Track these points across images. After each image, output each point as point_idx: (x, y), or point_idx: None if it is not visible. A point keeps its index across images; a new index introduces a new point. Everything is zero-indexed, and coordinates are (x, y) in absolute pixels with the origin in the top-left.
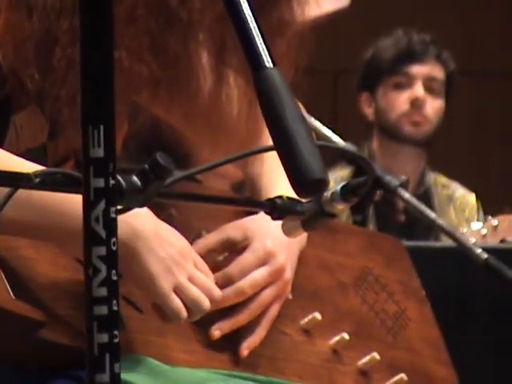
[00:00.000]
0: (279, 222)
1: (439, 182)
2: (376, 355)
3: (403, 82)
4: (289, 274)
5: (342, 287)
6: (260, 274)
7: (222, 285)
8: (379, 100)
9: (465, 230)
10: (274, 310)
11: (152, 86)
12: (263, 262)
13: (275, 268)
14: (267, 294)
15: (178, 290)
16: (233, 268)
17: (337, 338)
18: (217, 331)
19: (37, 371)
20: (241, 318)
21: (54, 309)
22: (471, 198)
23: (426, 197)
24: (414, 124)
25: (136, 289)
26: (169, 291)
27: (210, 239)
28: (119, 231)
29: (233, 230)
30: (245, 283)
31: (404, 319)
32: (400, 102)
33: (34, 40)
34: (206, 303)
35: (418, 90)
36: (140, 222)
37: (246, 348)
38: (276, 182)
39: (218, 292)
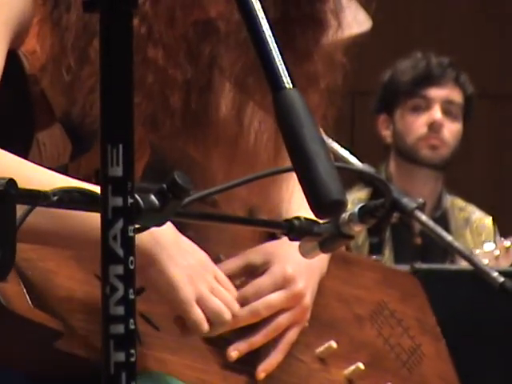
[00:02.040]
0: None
1: (456, 204)
2: None
3: (421, 104)
4: (308, 301)
5: (358, 319)
6: (276, 297)
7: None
8: (397, 122)
9: (477, 251)
10: (291, 335)
11: (184, 91)
12: (281, 286)
13: (293, 293)
14: (284, 317)
15: (200, 301)
16: (248, 289)
17: (352, 368)
18: (234, 352)
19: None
20: (257, 340)
21: (71, 321)
22: (488, 221)
23: (442, 219)
24: (432, 148)
25: (157, 298)
26: (192, 301)
27: (231, 264)
28: (139, 239)
29: (254, 254)
30: (260, 304)
31: (419, 354)
32: (418, 125)
33: (73, 31)
34: (228, 315)
35: (436, 113)
36: (160, 231)
37: (262, 371)
38: (298, 207)
39: (237, 306)
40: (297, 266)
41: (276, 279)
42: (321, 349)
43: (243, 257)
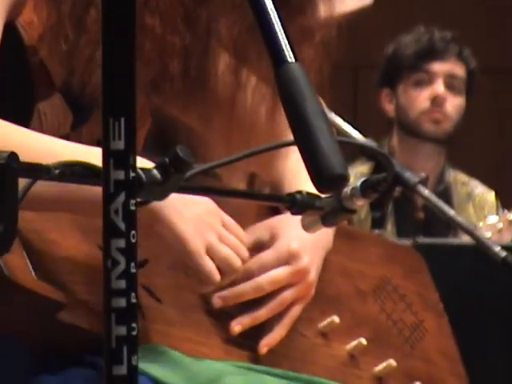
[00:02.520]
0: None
1: (459, 179)
2: (393, 362)
3: (424, 79)
4: (313, 277)
5: (361, 294)
6: (281, 272)
7: (241, 279)
8: (400, 97)
9: (480, 224)
10: (295, 311)
11: (183, 57)
12: (285, 262)
13: (298, 268)
14: (288, 293)
15: (210, 251)
16: (253, 263)
17: (354, 343)
18: (237, 326)
19: (54, 356)
20: (261, 314)
21: (74, 293)
22: (490, 195)
23: (445, 194)
24: (435, 122)
25: (167, 253)
26: (201, 252)
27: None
28: None
29: (259, 230)
30: (264, 279)
31: (421, 330)
32: (420, 99)
33: (70, 0)
34: (238, 262)
35: (439, 87)
36: None
37: (264, 345)
38: (300, 181)
39: (246, 251)
40: (302, 242)
41: (281, 254)
42: (323, 324)
43: (249, 232)
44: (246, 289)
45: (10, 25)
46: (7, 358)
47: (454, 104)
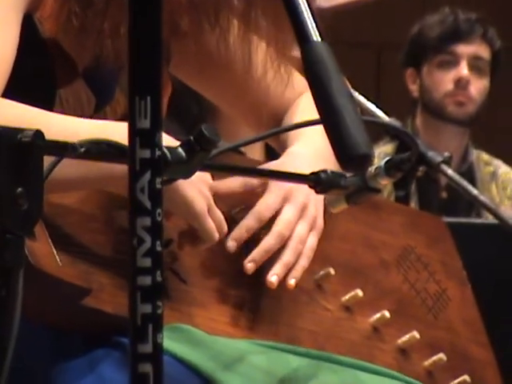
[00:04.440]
0: (295, 167)
1: (482, 159)
2: (416, 334)
3: (448, 60)
4: (313, 209)
5: (384, 265)
6: (290, 212)
7: (254, 224)
8: (424, 78)
9: (506, 202)
10: (312, 241)
11: (192, 12)
12: (285, 199)
13: (299, 204)
14: (301, 228)
15: (210, 212)
16: (259, 206)
17: (377, 316)
18: (273, 276)
19: (79, 338)
20: (289, 258)
21: (100, 277)
22: None
23: (468, 174)
24: (458, 104)
25: (174, 213)
26: (206, 213)
27: (231, 182)
28: None
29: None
30: (280, 226)
31: (444, 299)
32: (445, 81)
33: None
34: (225, 225)
35: (463, 69)
36: None
37: (292, 277)
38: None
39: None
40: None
41: (279, 193)
42: (346, 297)
43: (240, 178)
44: (270, 241)
45: (28, 18)
46: (33, 341)
47: (477, 86)
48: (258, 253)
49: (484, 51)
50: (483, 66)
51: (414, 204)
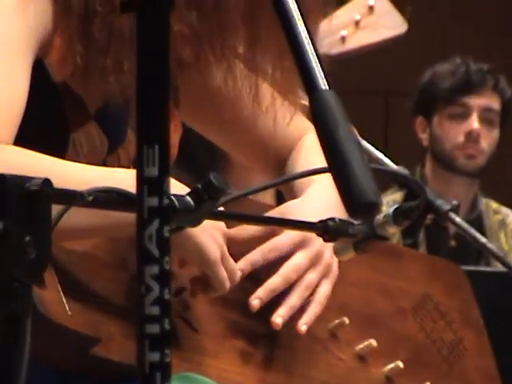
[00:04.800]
0: (315, 209)
1: (491, 207)
2: None
3: (459, 112)
4: (329, 256)
5: (400, 313)
6: (301, 257)
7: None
8: (434, 128)
9: None
10: (325, 288)
11: (196, 44)
12: (299, 246)
13: (313, 252)
14: (312, 275)
15: (223, 260)
16: (269, 251)
17: (391, 366)
18: (278, 318)
19: (88, 382)
20: (294, 302)
21: (110, 326)
22: None
23: (477, 222)
24: (469, 157)
25: (187, 260)
26: (219, 261)
27: (250, 229)
28: None
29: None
30: (288, 268)
31: (461, 349)
32: (455, 133)
33: (76, 17)
34: (239, 275)
35: (474, 122)
36: None
37: (303, 324)
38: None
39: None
40: None
41: (294, 239)
42: (361, 346)
43: None
44: (276, 282)
45: (38, 63)
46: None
47: (488, 139)
48: (262, 292)
49: (495, 102)
50: (494, 117)
51: (422, 252)
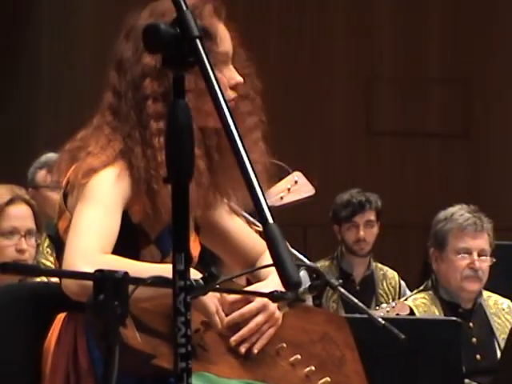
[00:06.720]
0: (271, 287)
1: (377, 266)
2: (328, 378)
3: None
4: (278, 313)
5: (312, 341)
6: (261, 317)
7: (240, 322)
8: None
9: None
10: (270, 331)
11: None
12: (261, 309)
13: (269, 313)
14: (265, 327)
15: (217, 312)
16: (245, 313)
17: (308, 369)
18: (243, 348)
19: (151, 381)
20: (253, 339)
21: (163, 347)
22: (395, 274)
23: (371, 276)
24: (360, 249)
25: (199, 312)
26: (215, 314)
27: (234, 296)
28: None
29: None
30: (256, 321)
31: (345, 360)
32: (352, 233)
33: (144, 187)
34: (225, 322)
35: (360, 231)
36: None
37: (255, 348)
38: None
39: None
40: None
41: (259, 306)
42: (291, 359)
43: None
44: (246, 330)
45: (124, 213)
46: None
47: (369, 235)
48: (240, 333)
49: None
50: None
51: (323, 308)
